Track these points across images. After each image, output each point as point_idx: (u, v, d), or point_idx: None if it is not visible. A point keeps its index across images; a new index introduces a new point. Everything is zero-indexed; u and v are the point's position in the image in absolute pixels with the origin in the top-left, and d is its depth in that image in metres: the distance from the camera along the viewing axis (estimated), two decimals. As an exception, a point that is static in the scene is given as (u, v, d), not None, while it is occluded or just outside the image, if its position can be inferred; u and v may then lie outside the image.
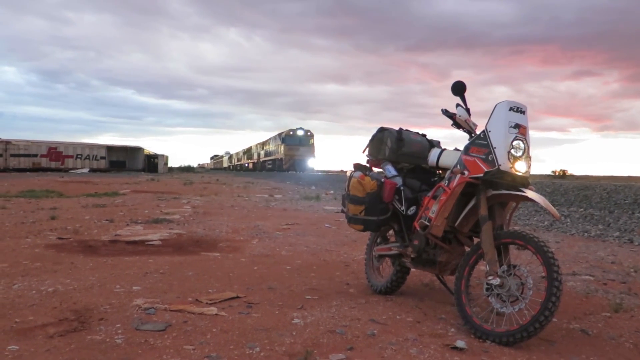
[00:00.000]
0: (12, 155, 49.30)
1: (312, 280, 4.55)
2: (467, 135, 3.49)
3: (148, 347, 2.76)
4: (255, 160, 74.53)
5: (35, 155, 50.70)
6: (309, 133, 55.30)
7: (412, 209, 3.76)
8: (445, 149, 3.79)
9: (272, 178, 33.97)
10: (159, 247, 6.13)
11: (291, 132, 54.49)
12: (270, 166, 62.28)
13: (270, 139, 64.36)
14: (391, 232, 4.17)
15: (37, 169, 48.18)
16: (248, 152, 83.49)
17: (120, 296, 3.77)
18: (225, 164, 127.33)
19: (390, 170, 3.98)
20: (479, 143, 3.23)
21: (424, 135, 4.14)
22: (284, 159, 54.18)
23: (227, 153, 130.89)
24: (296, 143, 54.20)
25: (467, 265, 3.29)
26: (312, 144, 55.40)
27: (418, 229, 3.52)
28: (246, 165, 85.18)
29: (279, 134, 57.08)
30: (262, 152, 68.35)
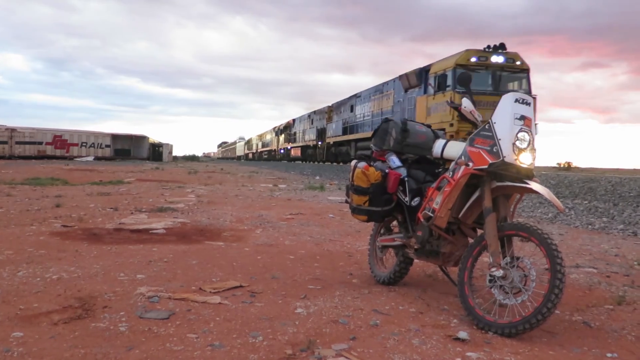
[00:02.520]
0: (18, 143, 49.44)
1: (315, 270, 4.56)
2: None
3: (152, 335, 2.78)
4: (309, 143, 43.83)
5: (41, 143, 50.82)
6: (520, 69, 19.96)
7: (416, 200, 3.75)
8: (450, 140, 3.78)
9: (276, 168, 33.97)
10: (163, 235, 6.15)
11: (473, 60, 19.10)
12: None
13: (363, 93, 30.55)
14: (395, 222, 4.17)
15: (42, 157, 48.33)
16: (285, 131, 54.84)
17: (124, 284, 3.79)
18: (239, 152, 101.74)
19: (395, 161, 3.97)
20: (484, 134, 3.22)
21: (429, 126, 4.13)
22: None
23: (242, 139, 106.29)
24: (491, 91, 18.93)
25: (470, 257, 3.29)
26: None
27: (422, 220, 3.52)
28: (281, 152, 56.98)
29: (420, 71, 22.50)
30: (332, 126, 36.68)
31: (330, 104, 38.60)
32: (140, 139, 57.61)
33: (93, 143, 54.15)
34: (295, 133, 51.26)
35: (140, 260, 4.66)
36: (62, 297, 3.41)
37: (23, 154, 48.63)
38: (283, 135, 57.04)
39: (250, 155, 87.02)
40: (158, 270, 4.30)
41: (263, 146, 73.40)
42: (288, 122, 54.77)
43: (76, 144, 53.03)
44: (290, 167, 33.19)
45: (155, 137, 63.72)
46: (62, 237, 5.74)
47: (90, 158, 50.88)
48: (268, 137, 69.78)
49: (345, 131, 33.36)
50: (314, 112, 43.67)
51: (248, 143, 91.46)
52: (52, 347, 2.57)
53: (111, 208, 8.59)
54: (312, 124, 43.82)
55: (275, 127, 63.58)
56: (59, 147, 51.87)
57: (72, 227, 6.45)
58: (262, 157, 73.35)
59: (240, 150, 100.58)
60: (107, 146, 54.88)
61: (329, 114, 38.30)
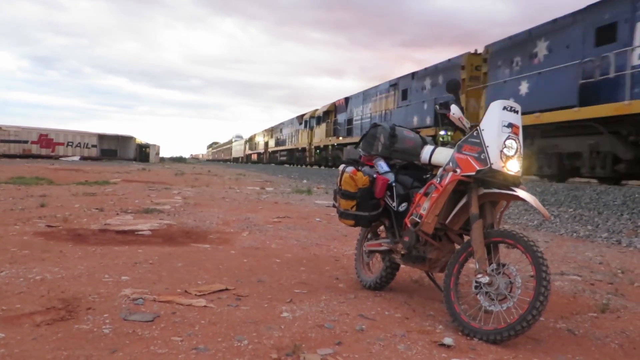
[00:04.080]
0: (2, 141, 49.03)
1: (301, 274, 4.55)
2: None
3: (136, 338, 2.75)
4: None
5: (26, 142, 50.46)
6: None
7: (404, 205, 3.76)
8: (438, 146, 3.80)
9: (264, 171, 33.93)
10: (148, 237, 6.10)
11: None
12: None
13: None
14: (382, 228, 4.18)
15: (27, 156, 47.94)
16: (326, 119, 35.92)
17: (108, 286, 3.75)
18: (236, 153, 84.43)
19: (383, 166, 3.98)
20: (472, 141, 3.24)
21: (417, 132, 4.15)
22: None
23: (239, 137, 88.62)
24: None
25: (456, 263, 3.30)
26: None
27: (409, 225, 3.53)
28: (319, 151, 37.58)
29: None
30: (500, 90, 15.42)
31: (474, 50, 18.80)
32: (127, 139, 57.35)
33: (79, 143, 53.83)
34: (350, 121, 31.00)
35: (125, 261, 4.62)
36: (45, 298, 3.37)
37: (8, 152, 48.22)
38: (323, 127, 36.13)
39: (255, 157, 67.93)
40: (143, 272, 4.27)
41: (277, 144, 53.21)
42: (333, 105, 35.10)
43: (62, 144, 52.69)
44: (277, 170, 33.12)
45: (142, 137, 62.89)
46: (46, 237, 5.68)
47: (76, 158, 50.55)
48: (285, 131, 49.64)
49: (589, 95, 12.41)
50: (412, 75, 22.58)
51: (250, 141, 72.55)
52: (34, 348, 2.54)
53: (96, 209, 8.51)
54: (404, 98, 23.18)
55: (302, 116, 43.23)
56: (45, 146, 51.51)
57: (56, 228, 6.39)
58: (276, 159, 53.24)
59: (238, 150, 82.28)
60: (93, 146, 54.59)
61: (473, 67, 18.64)
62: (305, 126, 41.41)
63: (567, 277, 4.80)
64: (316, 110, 39.31)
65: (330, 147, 34.62)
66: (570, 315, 3.63)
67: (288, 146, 48.07)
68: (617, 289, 4.43)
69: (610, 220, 8.16)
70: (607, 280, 4.73)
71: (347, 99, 32.34)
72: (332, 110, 35.45)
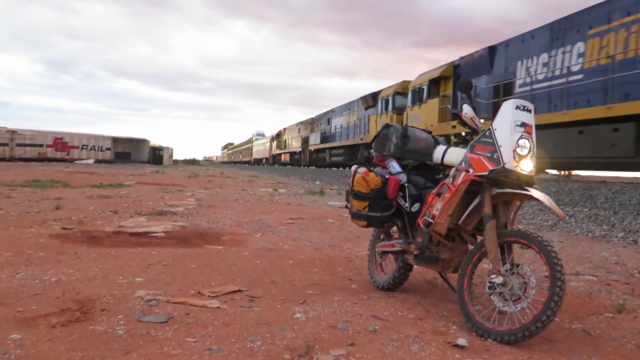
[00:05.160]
0: (18, 145, 49.62)
1: (314, 275, 4.55)
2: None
3: (150, 339, 2.77)
4: None
5: (41, 145, 51.02)
6: None
7: (416, 205, 3.75)
8: (450, 146, 3.78)
9: (276, 172, 33.96)
10: (162, 239, 6.14)
11: None
12: None
13: None
14: (394, 228, 4.17)
15: (42, 159, 48.49)
16: (440, 88, 19.34)
17: (122, 287, 3.78)
18: (258, 154, 69.83)
19: (395, 167, 3.97)
20: (485, 141, 3.22)
21: (429, 132, 4.13)
22: None
23: (261, 135, 74.18)
24: None
25: (470, 263, 3.28)
26: None
27: (422, 226, 3.51)
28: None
29: None
30: None
31: None
32: (141, 142, 57.75)
33: (94, 146, 54.34)
34: (507, 86, 15.46)
35: (139, 263, 4.65)
36: (60, 300, 3.40)
37: (23, 156, 48.82)
38: (431, 105, 20.11)
39: (285, 158, 53.26)
40: (157, 273, 4.29)
41: (324, 140, 38.08)
42: (451, 67, 19.30)
43: (77, 147, 53.23)
44: (290, 172, 33.15)
45: (155, 140, 62.97)
46: (62, 239, 5.73)
47: (91, 161, 51.04)
48: (337, 121, 35.30)
49: None
50: None
51: (278, 139, 57.67)
52: (49, 349, 2.56)
53: (111, 211, 8.58)
54: None
55: (375, 95, 27.73)
56: (60, 149, 52.05)
57: (71, 230, 6.45)
58: (322, 160, 38.43)
59: (260, 151, 68.00)
60: (107, 149, 55.05)
61: None
62: (385, 108, 25.65)
63: (582, 277, 4.75)
64: (407, 82, 23.44)
65: (452, 137, 17.34)
66: (586, 316, 3.59)
67: (345, 141, 32.84)
68: (633, 289, 4.38)
69: (626, 219, 8.07)
70: (623, 281, 4.68)
71: (492, 50, 16.76)
72: (448, 77, 19.56)
